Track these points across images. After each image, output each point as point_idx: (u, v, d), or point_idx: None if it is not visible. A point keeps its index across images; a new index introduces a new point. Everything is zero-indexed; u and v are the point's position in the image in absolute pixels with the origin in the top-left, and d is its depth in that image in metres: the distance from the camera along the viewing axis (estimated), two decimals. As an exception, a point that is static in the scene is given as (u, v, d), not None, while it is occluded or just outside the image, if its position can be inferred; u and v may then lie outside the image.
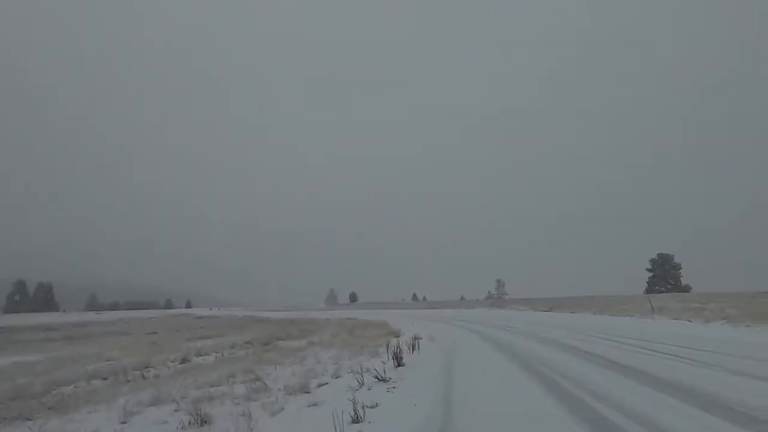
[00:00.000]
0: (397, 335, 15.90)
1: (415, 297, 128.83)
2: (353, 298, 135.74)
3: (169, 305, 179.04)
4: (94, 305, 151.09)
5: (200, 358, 12.56)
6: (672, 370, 6.34)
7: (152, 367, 11.31)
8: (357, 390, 5.95)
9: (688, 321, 15.22)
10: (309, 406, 5.38)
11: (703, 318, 15.24)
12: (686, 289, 70.52)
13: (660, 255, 76.52)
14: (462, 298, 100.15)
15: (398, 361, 7.67)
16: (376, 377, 6.40)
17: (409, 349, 9.66)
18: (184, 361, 11.82)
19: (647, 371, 6.36)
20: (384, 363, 8.32)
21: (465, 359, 8.66)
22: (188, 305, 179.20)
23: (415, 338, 12.18)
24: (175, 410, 5.86)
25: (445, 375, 6.84)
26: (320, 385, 6.72)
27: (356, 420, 4.41)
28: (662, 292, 70.44)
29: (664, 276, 75.41)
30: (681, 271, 74.66)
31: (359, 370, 7.20)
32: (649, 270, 76.83)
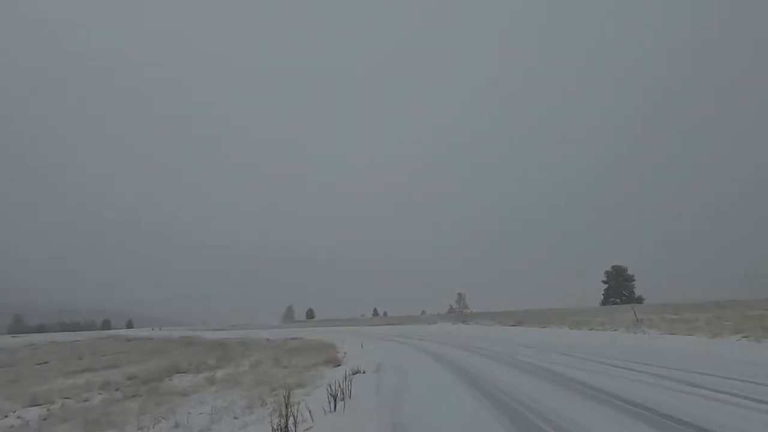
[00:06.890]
0: (337, 363, 12.12)
1: (375, 312, 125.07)
2: (310, 314, 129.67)
3: (105, 326, 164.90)
4: (18, 328, 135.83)
5: (17, 414, 8.13)
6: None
7: None
8: None
9: (690, 335, 12.57)
10: None
11: (704, 332, 12.68)
12: (639, 300, 71.40)
13: (614, 267, 77.31)
14: (423, 313, 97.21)
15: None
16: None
17: (332, 398, 5.89)
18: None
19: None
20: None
21: (420, 419, 5.06)
22: (129, 326, 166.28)
23: (354, 372, 8.52)
24: None
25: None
26: None
27: None
28: (617, 303, 70.77)
29: (618, 288, 76.29)
30: (634, 282, 75.81)
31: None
32: (604, 282, 77.45)
